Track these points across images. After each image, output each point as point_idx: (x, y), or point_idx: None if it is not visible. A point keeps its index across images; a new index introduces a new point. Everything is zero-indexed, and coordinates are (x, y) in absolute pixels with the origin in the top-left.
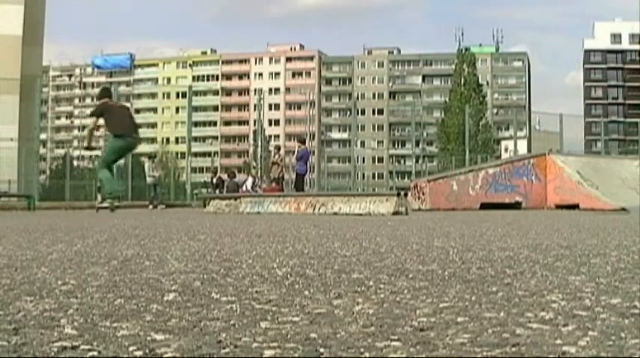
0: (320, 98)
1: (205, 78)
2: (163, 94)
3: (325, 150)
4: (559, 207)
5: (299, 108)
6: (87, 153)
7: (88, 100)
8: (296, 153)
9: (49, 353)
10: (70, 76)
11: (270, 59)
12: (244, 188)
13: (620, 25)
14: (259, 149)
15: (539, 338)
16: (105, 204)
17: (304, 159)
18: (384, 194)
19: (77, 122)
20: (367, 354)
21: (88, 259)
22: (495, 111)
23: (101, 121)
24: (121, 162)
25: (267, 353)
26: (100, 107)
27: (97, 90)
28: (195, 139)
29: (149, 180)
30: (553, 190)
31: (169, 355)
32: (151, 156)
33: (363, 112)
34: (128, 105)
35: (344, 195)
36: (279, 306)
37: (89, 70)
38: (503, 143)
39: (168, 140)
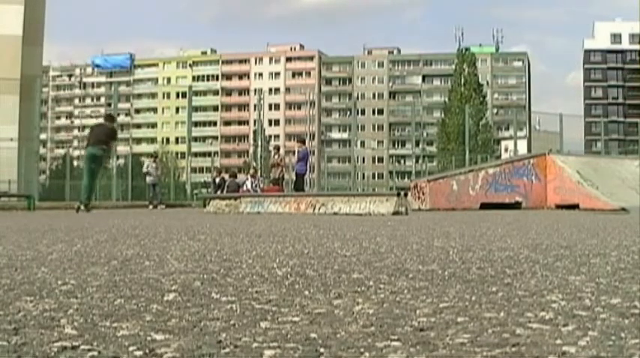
0: (320, 98)
1: (205, 78)
2: (163, 94)
3: (325, 150)
4: (559, 207)
5: (299, 108)
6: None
7: (88, 100)
8: (296, 153)
9: (49, 353)
10: (70, 76)
11: (270, 59)
12: (244, 188)
13: (620, 25)
14: (259, 149)
15: (539, 338)
16: (76, 204)
17: (304, 159)
18: (384, 194)
19: (77, 122)
20: (367, 354)
21: (88, 259)
22: (495, 111)
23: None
24: (122, 162)
25: (267, 353)
26: (90, 128)
27: (97, 90)
28: (195, 139)
29: (148, 179)
30: (553, 190)
31: (169, 355)
32: (151, 156)
33: (363, 112)
34: (112, 125)
35: (344, 195)
36: (279, 306)
37: (89, 70)
38: (503, 143)
39: (168, 140)
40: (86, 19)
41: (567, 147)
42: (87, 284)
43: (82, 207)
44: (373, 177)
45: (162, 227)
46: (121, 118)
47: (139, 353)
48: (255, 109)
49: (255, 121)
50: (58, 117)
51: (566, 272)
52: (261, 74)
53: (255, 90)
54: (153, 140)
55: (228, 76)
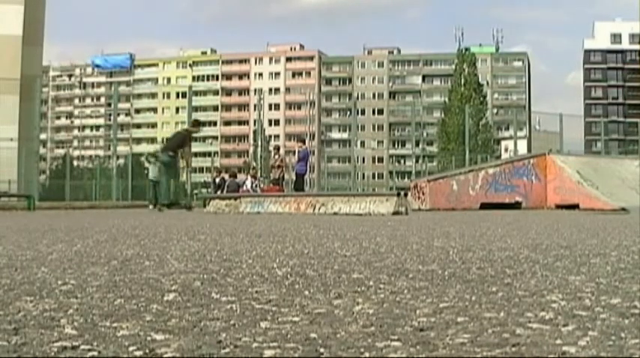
0: (320, 98)
1: (205, 78)
2: (163, 94)
3: (325, 150)
4: (559, 207)
5: (299, 108)
6: (86, 153)
7: (88, 100)
8: (296, 153)
9: (49, 353)
10: (70, 76)
11: (270, 59)
12: (244, 188)
13: (620, 25)
14: (259, 149)
15: (539, 338)
16: (158, 205)
17: (304, 159)
18: (384, 194)
19: (77, 122)
20: (367, 354)
21: (88, 259)
22: (495, 111)
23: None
24: (121, 162)
25: (267, 353)
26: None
27: (97, 90)
28: (196, 139)
29: (151, 175)
30: (553, 190)
31: (169, 355)
32: (151, 155)
33: (363, 112)
34: (186, 131)
35: (344, 195)
36: (279, 306)
37: (89, 70)
38: (503, 143)
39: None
40: (86, 19)
41: (567, 147)
42: (87, 284)
43: (164, 208)
44: (373, 177)
45: (162, 227)
46: (121, 118)
47: (139, 353)
48: (255, 109)
49: (255, 121)
50: (58, 117)
51: (566, 272)
52: (261, 74)
53: (255, 90)
54: (153, 140)
55: (228, 76)
